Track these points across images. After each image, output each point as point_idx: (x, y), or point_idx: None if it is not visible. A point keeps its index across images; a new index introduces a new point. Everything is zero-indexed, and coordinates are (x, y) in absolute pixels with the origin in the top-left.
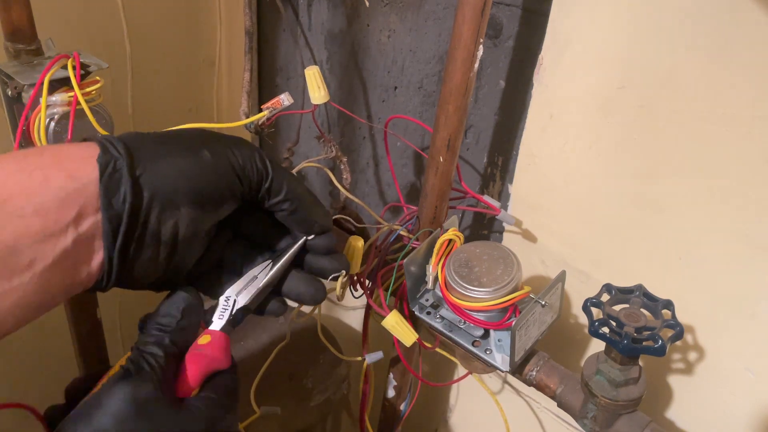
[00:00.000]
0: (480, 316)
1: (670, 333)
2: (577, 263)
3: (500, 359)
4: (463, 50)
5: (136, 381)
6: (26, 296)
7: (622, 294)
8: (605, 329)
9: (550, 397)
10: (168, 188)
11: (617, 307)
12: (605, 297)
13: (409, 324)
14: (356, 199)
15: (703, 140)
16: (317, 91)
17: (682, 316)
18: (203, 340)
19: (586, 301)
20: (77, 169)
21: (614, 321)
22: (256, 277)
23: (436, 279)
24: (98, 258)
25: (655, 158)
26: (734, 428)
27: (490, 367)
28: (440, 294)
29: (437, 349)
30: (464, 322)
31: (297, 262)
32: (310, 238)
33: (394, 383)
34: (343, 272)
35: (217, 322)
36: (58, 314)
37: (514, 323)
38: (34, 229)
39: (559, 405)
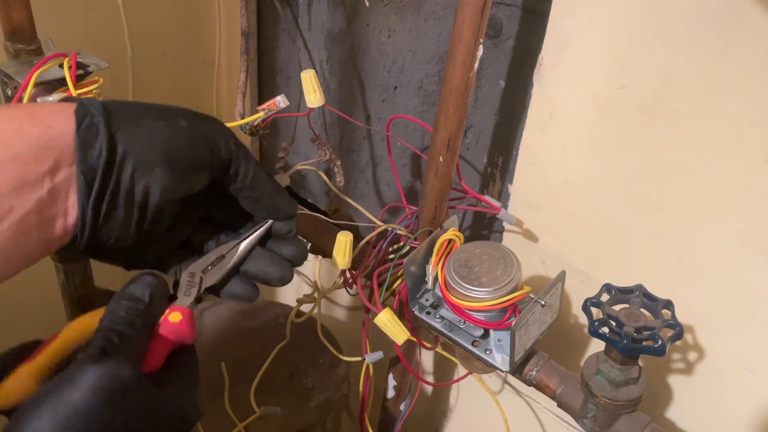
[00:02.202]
0: (480, 316)
1: (670, 333)
2: (577, 263)
3: (500, 359)
4: (463, 50)
5: (117, 361)
6: (3, 247)
7: (622, 294)
8: (605, 329)
9: (550, 397)
10: (143, 147)
11: (617, 307)
12: (605, 297)
13: (407, 322)
14: (350, 201)
15: (703, 140)
16: (313, 95)
17: (682, 316)
18: (174, 317)
19: (586, 301)
20: (53, 121)
21: (614, 321)
22: (223, 257)
23: (436, 279)
24: (73, 213)
25: (655, 158)
26: (734, 428)
27: (490, 367)
28: (440, 294)
29: (437, 349)
30: (464, 322)
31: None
32: (273, 222)
33: (394, 383)
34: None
35: (184, 299)
36: (59, 314)
37: (514, 323)
38: (10, 176)
39: (559, 405)
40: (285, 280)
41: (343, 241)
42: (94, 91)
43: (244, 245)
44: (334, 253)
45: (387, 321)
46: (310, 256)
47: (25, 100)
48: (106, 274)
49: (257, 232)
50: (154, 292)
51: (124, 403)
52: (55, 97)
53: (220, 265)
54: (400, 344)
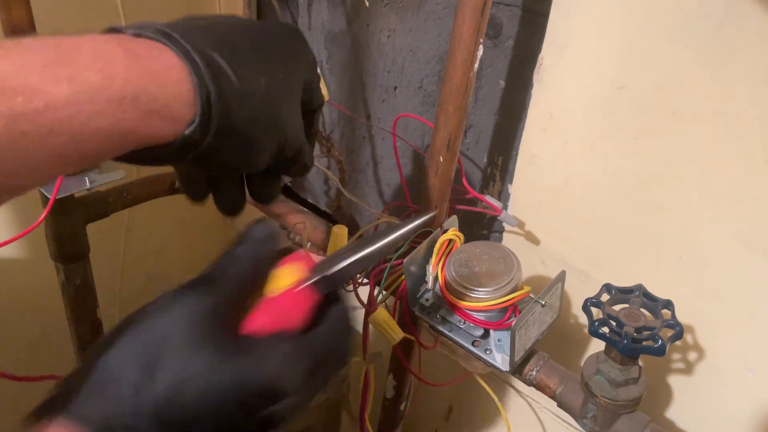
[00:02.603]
0: (480, 316)
1: (669, 333)
2: (577, 263)
3: (500, 359)
4: (463, 50)
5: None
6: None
7: (622, 294)
8: (605, 329)
9: (550, 397)
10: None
11: (617, 307)
12: (605, 297)
13: (407, 322)
14: (353, 197)
15: (703, 140)
16: None
17: (682, 316)
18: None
19: (586, 301)
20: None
21: (614, 321)
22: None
23: (436, 279)
24: (190, 99)
25: (655, 158)
26: (734, 428)
27: (490, 367)
28: (440, 294)
29: (437, 349)
30: (464, 322)
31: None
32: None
33: (394, 383)
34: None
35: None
36: (59, 314)
37: (514, 323)
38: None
39: (559, 405)
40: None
41: (339, 234)
42: None
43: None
44: (330, 246)
45: (382, 321)
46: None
47: None
48: (106, 274)
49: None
50: (267, 237)
51: (193, 340)
52: None
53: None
54: (393, 344)
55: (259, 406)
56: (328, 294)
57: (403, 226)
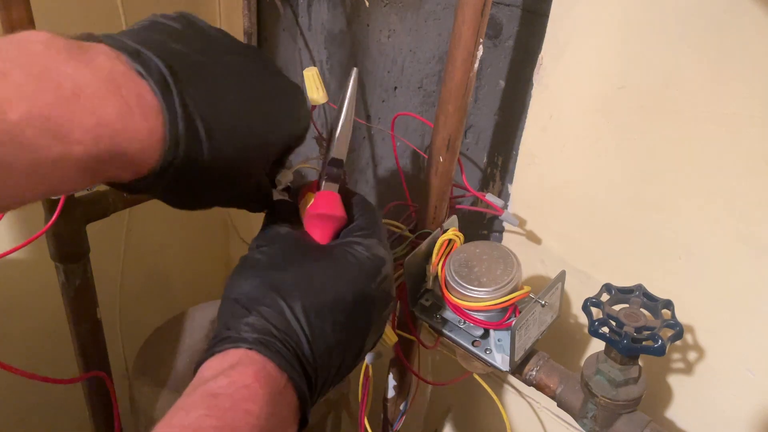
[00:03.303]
0: (480, 316)
1: (669, 333)
2: (577, 263)
3: (500, 359)
4: (463, 50)
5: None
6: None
7: (622, 294)
8: (605, 329)
9: (550, 397)
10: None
11: (617, 307)
12: (605, 297)
13: (410, 322)
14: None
15: (703, 140)
16: (316, 92)
17: (682, 316)
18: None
19: (586, 301)
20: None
21: (614, 321)
22: (327, 134)
23: (436, 279)
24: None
25: (655, 158)
26: (734, 428)
27: (490, 367)
28: (440, 294)
29: (437, 349)
30: (464, 322)
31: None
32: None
33: (394, 383)
34: None
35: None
36: (59, 314)
37: (514, 323)
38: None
39: (559, 405)
40: None
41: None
42: None
43: (348, 107)
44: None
45: None
46: None
47: None
48: (106, 274)
49: (351, 91)
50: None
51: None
52: None
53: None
54: (389, 346)
55: (371, 276)
56: (343, 192)
57: (346, 92)
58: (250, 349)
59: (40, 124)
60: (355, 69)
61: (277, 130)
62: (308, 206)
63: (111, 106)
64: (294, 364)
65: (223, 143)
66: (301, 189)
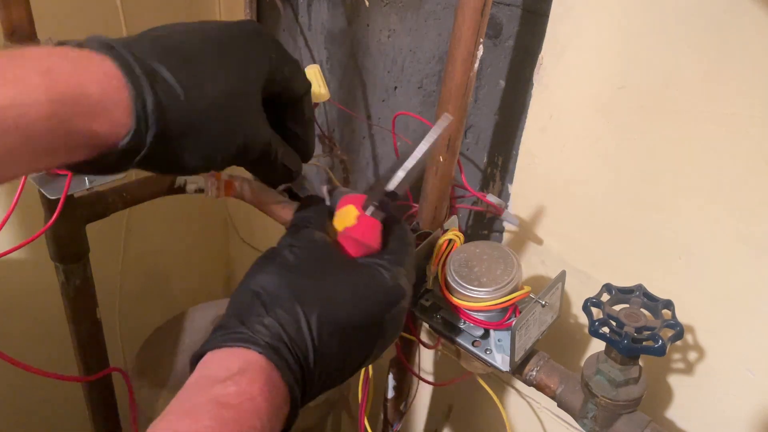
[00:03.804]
0: (480, 316)
1: (670, 333)
2: (577, 263)
3: (500, 359)
4: (463, 50)
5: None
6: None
7: (622, 294)
8: (605, 329)
9: (550, 397)
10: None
11: (617, 307)
12: (605, 297)
13: (410, 322)
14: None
15: (703, 140)
16: (318, 90)
17: (682, 316)
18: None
19: (586, 301)
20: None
21: (614, 321)
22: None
23: (436, 279)
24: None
25: (655, 158)
26: (734, 428)
27: (490, 367)
28: (440, 294)
29: (438, 349)
30: (464, 322)
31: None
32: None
33: (394, 383)
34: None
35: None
36: (59, 314)
37: (514, 323)
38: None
39: (559, 405)
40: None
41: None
42: None
43: (425, 149)
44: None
45: None
46: None
47: None
48: (106, 274)
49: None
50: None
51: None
52: None
53: (402, 169)
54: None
55: (389, 305)
56: (386, 220)
57: (427, 133)
58: (260, 353)
59: None
60: (447, 115)
61: (251, 66)
62: (347, 224)
63: (61, 61)
64: (297, 374)
65: (189, 84)
66: (343, 196)
